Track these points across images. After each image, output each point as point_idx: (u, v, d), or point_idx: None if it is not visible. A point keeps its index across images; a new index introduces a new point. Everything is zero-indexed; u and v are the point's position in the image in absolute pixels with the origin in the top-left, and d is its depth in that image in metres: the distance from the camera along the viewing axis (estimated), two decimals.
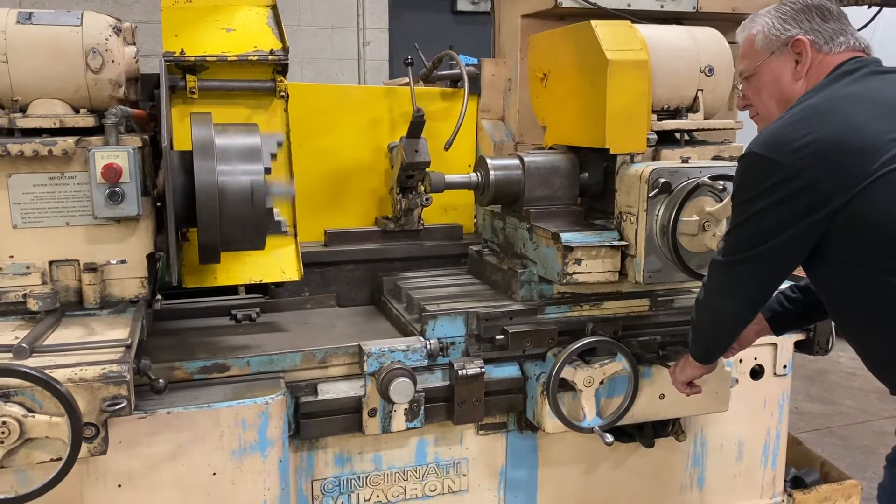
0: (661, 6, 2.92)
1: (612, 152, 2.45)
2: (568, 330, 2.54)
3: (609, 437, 2.45)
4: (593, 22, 2.48)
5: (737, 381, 2.82)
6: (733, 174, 2.31)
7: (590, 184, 2.68)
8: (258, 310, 2.76)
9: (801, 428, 4.85)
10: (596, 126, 2.46)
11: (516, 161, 2.68)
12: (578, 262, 2.41)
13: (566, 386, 2.48)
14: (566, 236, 2.42)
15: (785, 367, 3.00)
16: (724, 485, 3.00)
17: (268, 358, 2.36)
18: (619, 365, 2.49)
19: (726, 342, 2.25)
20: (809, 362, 5.27)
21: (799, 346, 3.02)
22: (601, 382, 2.50)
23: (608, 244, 2.43)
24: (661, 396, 2.56)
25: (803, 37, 1.98)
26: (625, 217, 2.44)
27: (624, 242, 2.43)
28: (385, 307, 2.88)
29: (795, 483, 3.29)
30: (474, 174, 2.72)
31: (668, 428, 2.76)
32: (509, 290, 2.67)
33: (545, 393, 2.45)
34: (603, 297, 2.60)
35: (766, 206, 1.85)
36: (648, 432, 2.72)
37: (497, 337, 2.49)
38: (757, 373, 2.97)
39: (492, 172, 2.66)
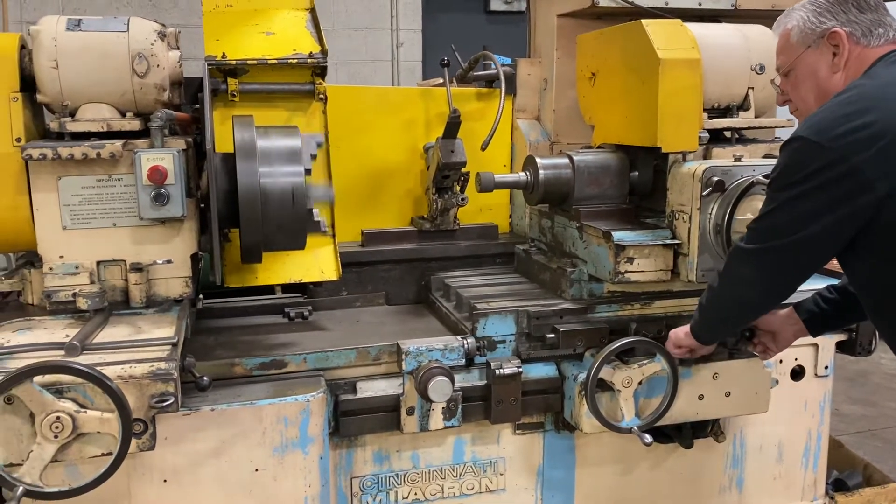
0: (699, 4, 2.89)
1: (664, 151, 2.44)
2: (619, 329, 2.53)
3: (648, 438, 2.44)
4: (644, 21, 2.48)
5: (777, 381, 2.78)
6: None
7: (639, 182, 2.67)
8: (310, 308, 2.79)
9: (843, 430, 4.77)
10: (647, 125, 2.45)
11: (566, 160, 2.69)
12: (631, 260, 2.41)
13: (604, 386, 2.48)
14: (618, 235, 2.42)
15: (826, 367, 2.95)
16: (763, 487, 2.97)
17: (323, 354, 2.40)
18: (658, 365, 2.47)
19: (735, 330, 2.21)
20: (850, 363, 5.18)
21: (841, 347, 2.97)
22: (640, 383, 2.48)
23: (661, 243, 2.42)
24: (701, 397, 2.54)
25: (840, 29, 1.94)
26: (677, 215, 2.42)
27: (677, 241, 2.42)
28: (434, 305, 2.90)
29: (837, 486, 3.25)
30: (523, 173, 2.73)
31: (706, 429, 2.74)
32: (558, 289, 2.67)
33: (583, 393, 2.44)
34: (653, 296, 2.59)
35: (806, 190, 1.80)
36: (687, 433, 2.71)
37: (548, 335, 2.49)
38: (797, 373, 2.94)
39: (541, 172, 2.66)
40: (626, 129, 2.61)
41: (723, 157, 2.49)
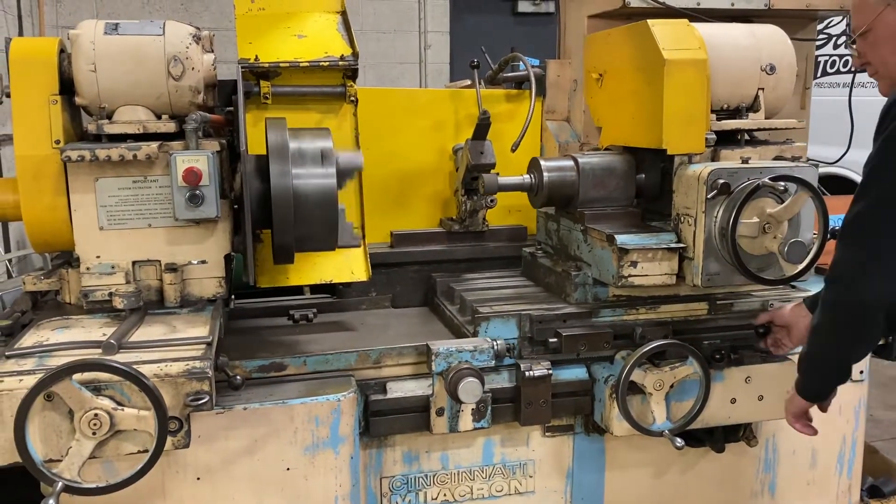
0: (732, 4, 2.86)
1: (669, 152, 2.41)
2: (623, 333, 2.51)
3: (679, 441, 2.42)
4: (650, 21, 2.45)
5: None
6: (795, 175, 2.24)
7: (646, 185, 2.64)
8: (315, 310, 2.78)
9: (877, 436, 4.68)
10: (653, 126, 2.43)
11: (570, 162, 2.67)
12: (634, 264, 2.38)
13: (635, 389, 2.46)
14: (621, 238, 2.39)
15: (861, 372, 2.91)
16: (796, 492, 2.92)
17: (323, 357, 2.40)
18: (690, 368, 2.45)
19: (854, 363, 2.05)
20: (885, 369, 5.08)
21: (876, 352, 2.91)
22: (671, 386, 2.47)
23: (665, 246, 2.39)
24: (733, 401, 2.52)
25: None
26: (682, 219, 2.40)
27: (681, 245, 2.39)
28: (438, 309, 2.89)
29: (872, 492, 3.20)
30: (528, 176, 2.72)
31: (739, 432, 2.71)
32: (563, 293, 2.66)
33: (614, 396, 2.43)
34: (659, 301, 2.56)
35: None
36: (719, 437, 2.68)
37: (550, 340, 2.47)
38: None
39: (545, 174, 2.65)
40: (633, 131, 2.58)
41: (731, 160, 2.45)
